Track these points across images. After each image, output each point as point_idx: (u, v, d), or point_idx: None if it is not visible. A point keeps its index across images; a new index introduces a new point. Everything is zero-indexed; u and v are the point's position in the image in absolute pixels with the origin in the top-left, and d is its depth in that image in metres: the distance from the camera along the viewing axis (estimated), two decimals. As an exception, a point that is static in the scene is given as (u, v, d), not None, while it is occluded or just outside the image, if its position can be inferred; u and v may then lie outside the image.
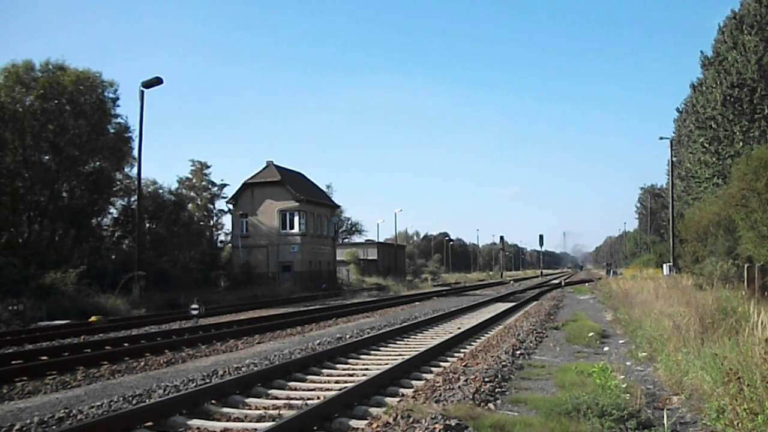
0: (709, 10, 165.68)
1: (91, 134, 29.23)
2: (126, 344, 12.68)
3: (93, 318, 18.39)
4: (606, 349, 10.57)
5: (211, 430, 5.77)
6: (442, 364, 9.23)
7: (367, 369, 8.94)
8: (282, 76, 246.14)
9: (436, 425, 5.29)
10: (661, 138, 38.51)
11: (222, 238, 52.25)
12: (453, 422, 5.40)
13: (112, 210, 34.91)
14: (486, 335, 13.05)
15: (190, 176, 52.47)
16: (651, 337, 9.47)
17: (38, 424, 6.01)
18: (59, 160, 28.65)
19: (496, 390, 7.13)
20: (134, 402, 6.91)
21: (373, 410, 6.15)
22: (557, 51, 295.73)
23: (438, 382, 7.42)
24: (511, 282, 52.59)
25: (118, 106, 31.56)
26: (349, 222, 76.68)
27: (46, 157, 29.20)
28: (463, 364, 8.82)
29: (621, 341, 11.50)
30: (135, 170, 29.27)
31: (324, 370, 8.89)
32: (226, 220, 51.51)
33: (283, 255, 43.37)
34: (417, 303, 26.29)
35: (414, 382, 7.74)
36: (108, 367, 9.79)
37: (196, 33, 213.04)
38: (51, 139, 28.17)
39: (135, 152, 30.23)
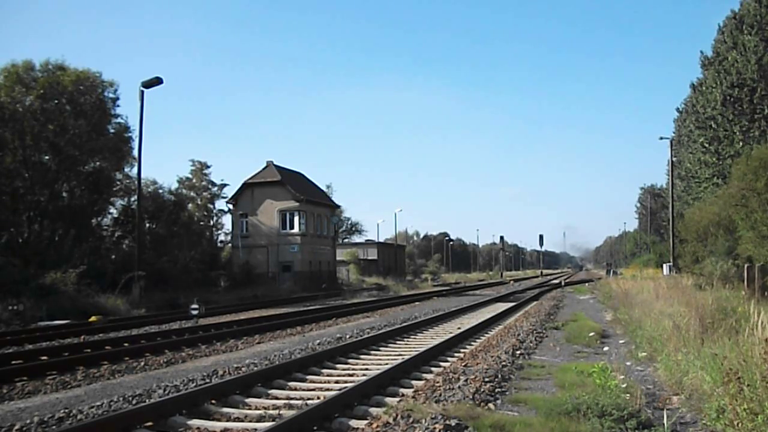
0: (709, 10, 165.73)
1: (91, 134, 29.20)
2: (126, 344, 12.67)
3: (93, 318, 18.39)
4: (606, 349, 10.57)
5: (211, 430, 5.77)
6: (442, 364, 9.22)
7: (367, 369, 8.94)
8: (282, 76, 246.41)
9: (436, 425, 5.29)
10: (661, 138, 38.56)
11: (222, 238, 52.27)
12: (453, 422, 5.40)
13: (112, 210, 34.93)
14: (486, 335, 13.04)
15: (190, 176, 52.41)
16: (651, 337, 9.47)
17: (38, 424, 6.01)
18: (59, 160, 28.63)
19: (496, 390, 7.13)
20: (134, 402, 6.91)
21: (373, 410, 6.14)
22: (557, 51, 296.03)
23: (438, 382, 7.42)
24: (511, 282, 52.58)
25: (118, 106, 31.60)
26: (349, 222, 76.63)
27: (46, 157, 29.17)
28: (463, 364, 8.82)
29: (621, 341, 11.49)
30: (135, 170, 29.29)
31: (324, 370, 8.88)
32: (226, 220, 51.55)
33: (283, 255, 43.36)
34: (417, 303, 26.29)
35: (414, 382, 7.74)
36: (108, 367, 9.78)
37: (196, 33, 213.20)
38: (51, 139, 28.14)
39: (135, 152, 30.20)
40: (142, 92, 24.51)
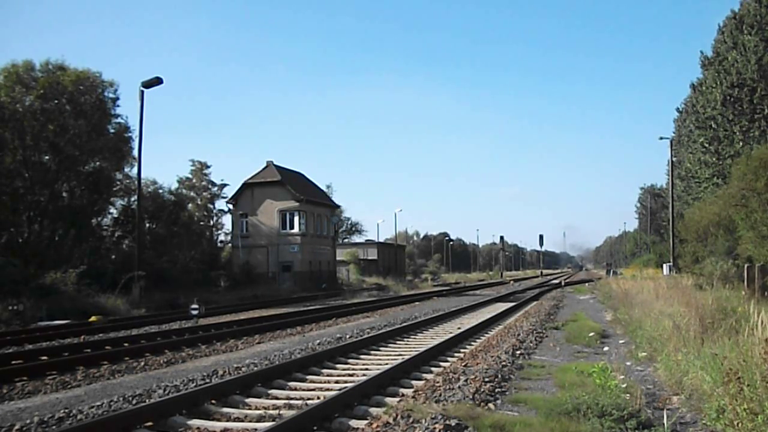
0: (709, 10, 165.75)
1: (91, 134, 29.21)
2: (126, 344, 12.67)
3: (93, 318, 18.39)
4: (606, 349, 10.57)
5: (211, 430, 5.76)
6: (442, 364, 9.22)
7: (367, 369, 8.94)
8: (283, 75, 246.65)
9: (436, 425, 5.29)
10: (661, 138, 38.60)
11: (222, 238, 52.32)
12: (453, 422, 5.39)
13: (112, 210, 34.96)
14: (486, 335, 13.04)
15: (190, 176, 52.46)
16: (651, 337, 9.47)
17: (38, 424, 6.01)
18: (59, 160, 28.63)
19: (496, 390, 7.12)
20: (134, 402, 6.90)
21: (373, 410, 6.14)
22: (557, 51, 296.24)
23: (438, 382, 7.42)
24: (511, 282, 52.57)
25: (118, 106, 31.60)
26: (349, 222, 76.58)
27: (46, 157, 29.18)
28: (463, 364, 8.81)
29: (621, 341, 11.49)
30: (135, 170, 29.31)
31: (324, 370, 8.88)
32: (226, 220, 51.60)
33: (283, 255, 43.36)
34: (417, 303, 26.28)
35: (414, 382, 7.74)
36: (108, 367, 9.78)
37: (196, 33, 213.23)
38: (51, 139, 28.15)
39: (135, 152, 30.22)
40: (142, 92, 24.54)
